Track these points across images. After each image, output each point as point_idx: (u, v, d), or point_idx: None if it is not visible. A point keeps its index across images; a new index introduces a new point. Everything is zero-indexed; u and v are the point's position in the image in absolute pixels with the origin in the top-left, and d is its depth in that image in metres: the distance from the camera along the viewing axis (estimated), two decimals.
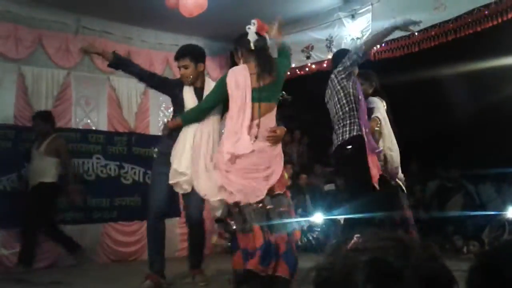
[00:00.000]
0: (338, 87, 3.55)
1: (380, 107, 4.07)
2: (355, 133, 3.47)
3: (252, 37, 3.15)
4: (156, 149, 4.00)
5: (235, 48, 3.37)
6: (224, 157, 3.01)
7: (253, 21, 3.18)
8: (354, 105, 3.52)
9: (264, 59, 3.10)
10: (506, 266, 0.79)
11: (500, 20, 4.00)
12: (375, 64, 5.22)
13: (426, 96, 6.47)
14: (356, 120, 3.50)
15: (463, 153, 6.31)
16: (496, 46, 5.01)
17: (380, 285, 0.65)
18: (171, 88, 3.66)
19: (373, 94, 4.15)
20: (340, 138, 3.51)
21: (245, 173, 3.02)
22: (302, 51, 5.85)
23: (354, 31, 5.36)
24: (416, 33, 4.65)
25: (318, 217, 6.24)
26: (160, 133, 6.10)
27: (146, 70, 3.83)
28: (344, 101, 3.53)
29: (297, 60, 5.87)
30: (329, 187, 6.67)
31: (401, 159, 4.17)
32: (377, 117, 3.99)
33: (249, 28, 3.18)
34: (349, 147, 3.47)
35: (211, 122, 3.45)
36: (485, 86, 5.60)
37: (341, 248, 0.75)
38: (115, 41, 5.91)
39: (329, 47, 5.60)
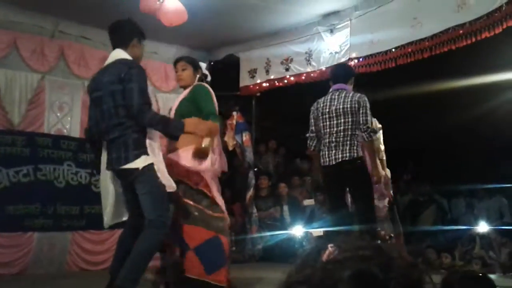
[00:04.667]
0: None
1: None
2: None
3: (207, 73, 3.68)
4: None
5: (195, 67, 3.59)
6: None
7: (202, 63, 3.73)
8: None
9: None
10: None
11: (474, 40, 4.11)
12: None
13: (400, 111, 6.59)
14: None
15: (436, 169, 6.44)
16: (470, 65, 5.15)
17: None
18: None
19: None
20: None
21: None
22: (282, 63, 5.89)
23: (332, 45, 5.44)
24: (393, 49, 4.75)
25: (297, 230, 6.23)
26: None
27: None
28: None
29: (277, 72, 5.91)
30: (309, 202, 6.69)
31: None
32: None
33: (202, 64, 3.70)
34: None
35: None
36: (460, 104, 5.74)
37: (316, 259, 0.73)
38: (92, 47, 5.83)
39: (308, 60, 5.66)
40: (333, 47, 5.43)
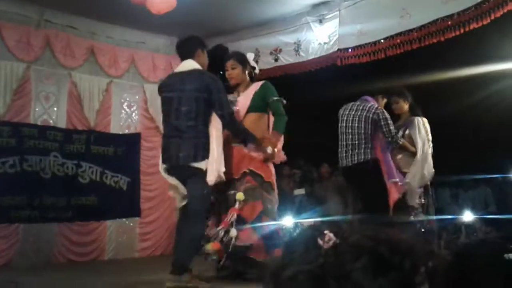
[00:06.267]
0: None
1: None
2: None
3: (254, 65, 3.94)
4: None
5: (241, 62, 3.82)
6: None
7: (250, 53, 4.00)
8: None
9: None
10: (478, 266, 0.80)
11: (462, 31, 4.14)
12: (342, 69, 5.32)
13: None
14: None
15: None
16: (457, 57, 5.19)
17: (383, 278, 0.65)
18: None
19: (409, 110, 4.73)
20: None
21: None
22: (271, 53, 5.86)
23: (321, 36, 5.43)
24: (382, 40, 4.76)
25: (286, 220, 6.21)
26: (121, 132, 6.03)
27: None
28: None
29: (265, 62, 5.88)
30: (299, 192, 6.69)
31: None
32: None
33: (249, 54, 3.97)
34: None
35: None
36: (445, 95, 5.78)
37: (316, 245, 0.73)
38: (78, 36, 5.74)
39: (297, 51, 5.64)
40: (322, 38, 5.42)
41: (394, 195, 4.35)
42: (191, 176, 3.43)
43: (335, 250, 0.71)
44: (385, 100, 4.83)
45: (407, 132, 4.66)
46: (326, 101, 5.88)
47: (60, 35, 5.59)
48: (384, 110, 4.51)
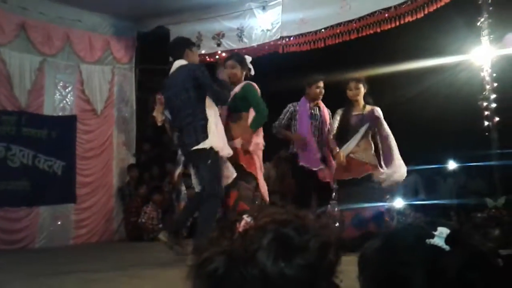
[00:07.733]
0: None
1: None
2: None
3: (250, 67, 4.09)
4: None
5: (241, 63, 4.01)
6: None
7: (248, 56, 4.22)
8: None
9: None
10: (401, 249, 0.83)
11: (398, 23, 4.29)
12: (283, 57, 5.36)
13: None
14: None
15: None
16: (393, 49, 5.35)
17: (286, 260, 0.66)
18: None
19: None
20: None
21: None
22: (213, 38, 5.81)
23: (264, 22, 5.44)
24: (323, 30, 4.84)
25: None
26: (55, 114, 5.77)
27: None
28: None
29: (208, 47, 5.83)
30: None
31: None
32: None
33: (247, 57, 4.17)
34: None
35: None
36: (380, 88, 5.95)
37: (233, 230, 0.74)
38: (8, 11, 5.39)
39: (240, 37, 5.63)
40: (265, 25, 5.43)
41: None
42: (200, 160, 3.70)
43: (244, 234, 0.71)
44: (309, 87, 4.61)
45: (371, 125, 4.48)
46: (270, 88, 5.90)
47: None
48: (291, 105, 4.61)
